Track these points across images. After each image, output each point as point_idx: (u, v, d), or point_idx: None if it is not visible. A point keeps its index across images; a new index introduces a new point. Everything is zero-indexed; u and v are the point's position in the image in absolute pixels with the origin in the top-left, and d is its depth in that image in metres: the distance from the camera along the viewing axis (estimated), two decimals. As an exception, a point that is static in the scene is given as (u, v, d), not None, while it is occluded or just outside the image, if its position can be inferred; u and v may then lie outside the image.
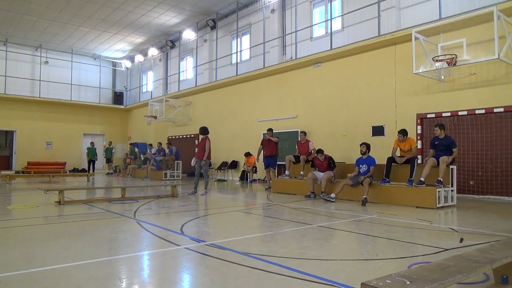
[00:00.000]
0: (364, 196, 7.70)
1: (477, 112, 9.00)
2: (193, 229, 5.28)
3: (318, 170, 9.23)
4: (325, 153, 9.27)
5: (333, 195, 8.28)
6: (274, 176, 11.33)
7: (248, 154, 14.29)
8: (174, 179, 15.55)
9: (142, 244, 4.46)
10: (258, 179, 14.37)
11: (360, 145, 8.51)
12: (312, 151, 10.25)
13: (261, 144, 11.51)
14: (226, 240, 4.47)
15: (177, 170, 16.14)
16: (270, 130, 11.42)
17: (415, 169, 7.85)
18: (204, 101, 18.19)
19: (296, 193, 9.73)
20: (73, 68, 22.70)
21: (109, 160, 20.16)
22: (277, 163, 11.57)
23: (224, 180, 15.47)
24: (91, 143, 20.07)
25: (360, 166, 8.39)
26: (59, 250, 4.04)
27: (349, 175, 8.54)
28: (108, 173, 19.72)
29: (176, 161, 16.17)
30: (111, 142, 20.67)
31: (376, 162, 8.31)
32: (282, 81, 14.20)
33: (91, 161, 19.26)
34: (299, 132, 11.14)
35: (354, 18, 12.16)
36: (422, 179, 7.46)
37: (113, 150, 20.07)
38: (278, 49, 14.65)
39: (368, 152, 8.40)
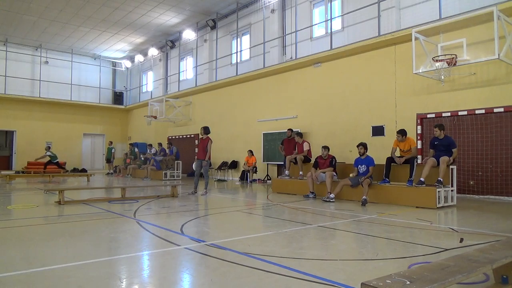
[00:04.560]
0: (364, 197, 7.69)
1: (477, 112, 9.00)
2: (193, 229, 5.29)
3: (319, 168, 9.18)
4: (329, 152, 9.26)
5: (332, 195, 8.28)
6: (270, 176, 11.46)
7: (251, 153, 14.28)
8: (174, 179, 15.54)
9: (142, 244, 4.46)
10: (258, 179, 14.37)
11: (357, 146, 8.48)
12: (306, 151, 10.43)
13: (281, 144, 11.71)
14: (226, 240, 4.47)
15: (177, 170, 16.14)
16: (289, 130, 11.58)
17: (414, 169, 7.85)
18: (204, 101, 18.20)
19: (296, 193, 9.73)
20: (73, 68, 22.70)
21: (108, 160, 20.19)
22: (278, 163, 11.63)
23: (224, 180, 15.47)
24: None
25: (359, 166, 8.39)
26: (59, 250, 4.04)
27: (351, 175, 8.57)
28: (108, 173, 19.72)
29: (176, 161, 16.17)
30: (111, 142, 20.68)
31: (376, 162, 8.30)
32: (282, 81, 14.20)
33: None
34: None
35: (354, 18, 12.16)
36: (422, 179, 7.45)
37: (113, 150, 20.06)
38: (278, 49, 14.65)
39: (366, 152, 8.40)
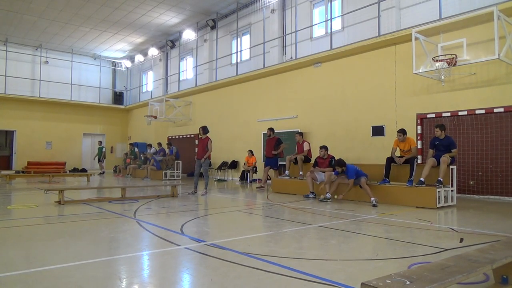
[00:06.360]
0: (372, 198, 7.60)
1: (477, 112, 9.00)
2: (193, 229, 5.28)
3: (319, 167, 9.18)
4: (329, 152, 9.27)
5: (328, 195, 8.28)
6: (270, 176, 11.47)
7: (251, 153, 14.26)
8: (174, 179, 15.55)
9: (142, 244, 4.46)
10: (258, 179, 14.35)
11: (334, 167, 8.35)
12: (306, 151, 10.47)
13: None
14: (226, 240, 4.47)
15: (177, 170, 16.15)
16: (269, 129, 11.51)
17: (414, 169, 7.85)
18: (204, 101, 18.19)
19: (296, 193, 9.73)
20: (73, 68, 22.70)
21: (99, 160, 20.01)
22: (278, 163, 11.62)
23: (224, 180, 15.47)
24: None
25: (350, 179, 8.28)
26: (59, 250, 4.04)
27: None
28: (100, 173, 19.50)
29: (176, 161, 16.17)
30: (100, 142, 20.60)
31: (375, 162, 8.30)
32: (282, 81, 14.20)
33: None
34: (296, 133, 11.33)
35: (354, 18, 12.15)
36: (422, 179, 7.46)
37: (104, 150, 19.97)
38: (278, 49, 14.65)
39: (345, 166, 8.23)
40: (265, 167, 11.55)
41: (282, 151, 11.34)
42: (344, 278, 3.06)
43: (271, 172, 11.78)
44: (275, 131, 11.80)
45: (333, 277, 3.07)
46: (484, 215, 6.67)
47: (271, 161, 11.25)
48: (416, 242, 4.45)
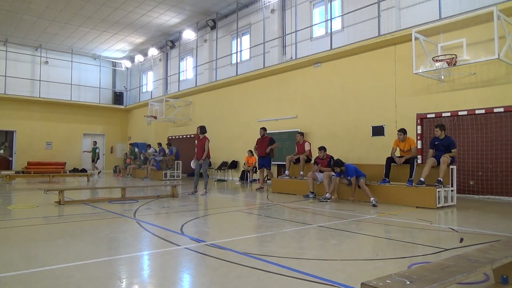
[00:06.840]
0: (372, 198, 7.60)
1: (477, 112, 9.00)
2: (193, 229, 5.28)
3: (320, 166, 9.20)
4: (327, 152, 9.29)
5: (328, 195, 8.28)
6: (265, 177, 11.40)
7: (251, 153, 14.24)
8: (174, 179, 15.55)
9: (142, 244, 4.46)
10: (258, 179, 14.34)
11: (333, 167, 8.28)
12: (308, 152, 10.43)
13: (256, 144, 11.50)
14: (226, 240, 4.47)
15: (177, 170, 16.15)
16: (262, 129, 11.41)
17: (414, 169, 7.85)
18: (204, 101, 18.20)
19: (296, 193, 9.73)
20: (73, 68, 22.70)
21: (92, 161, 19.79)
22: (279, 163, 11.58)
23: (224, 180, 15.47)
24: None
25: (348, 177, 8.27)
26: (59, 250, 4.04)
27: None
28: (91, 174, 19.16)
29: (176, 161, 16.18)
30: (95, 142, 20.46)
31: (375, 162, 8.30)
32: (282, 81, 14.20)
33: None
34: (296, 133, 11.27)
35: (354, 18, 12.16)
36: (422, 179, 7.46)
37: (97, 150, 19.85)
38: (278, 49, 14.65)
39: (344, 166, 8.22)
40: (259, 168, 11.56)
41: (273, 151, 11.26)
42: (344, 278, 3.06)
43: (270, 172, 11.78)
44: (273, 132, 11.75)
45: (333, 277, 3.07)
46: (484, 215, 6.67)
47: (264, 161, 11.19)
48: (416, 242, 4.45)
